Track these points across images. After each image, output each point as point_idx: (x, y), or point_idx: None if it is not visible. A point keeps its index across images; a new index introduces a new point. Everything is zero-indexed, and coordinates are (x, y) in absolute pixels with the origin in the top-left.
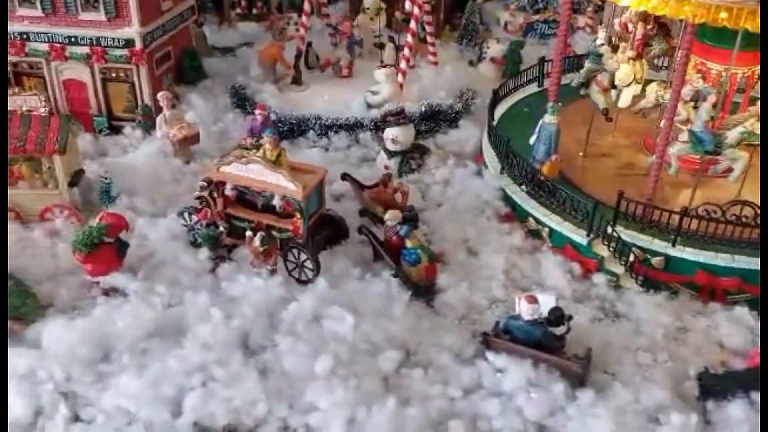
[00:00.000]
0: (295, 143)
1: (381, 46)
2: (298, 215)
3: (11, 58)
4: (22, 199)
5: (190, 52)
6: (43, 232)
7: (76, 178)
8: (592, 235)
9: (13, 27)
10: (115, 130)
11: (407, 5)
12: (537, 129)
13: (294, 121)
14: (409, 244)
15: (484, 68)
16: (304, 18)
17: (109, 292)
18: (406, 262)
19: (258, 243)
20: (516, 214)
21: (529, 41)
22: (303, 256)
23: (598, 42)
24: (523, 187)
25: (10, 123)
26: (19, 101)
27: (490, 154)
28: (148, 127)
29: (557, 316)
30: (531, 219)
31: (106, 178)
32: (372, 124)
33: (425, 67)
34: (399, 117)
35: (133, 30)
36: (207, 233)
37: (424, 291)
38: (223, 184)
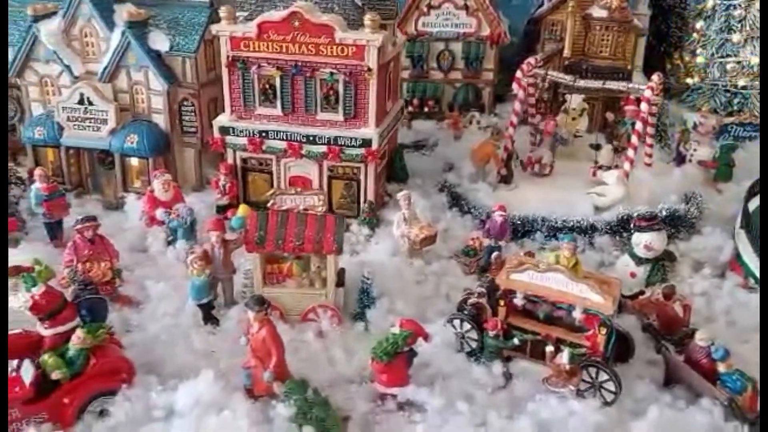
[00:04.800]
0: (519, 245)
1: (597, 147)
2: (601, 330)
3: (243, 155)
4: (287, 299)
5: (400, 150)
6: (313, 335)
7: (340, 278)
8: None
9: (254, 125)
10: None
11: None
12: None
13: (518, 222)
14: (722, 368)
15: (690, 171)
16: (513, 117)
17: (404, 406)
18: (729, 390)
19: (566, 360)
20: None
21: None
22: (603, 376)
23: None
24: None
25: (287, 221)
26: (298, 200)
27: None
28: (374, 224)
29: None
30: None
31: (367, 279)
32: (608, 227)
33: (642, 169)
34: (653, 222)
35: (371, 130)
36: (496, 344)
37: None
38: (511, 292)
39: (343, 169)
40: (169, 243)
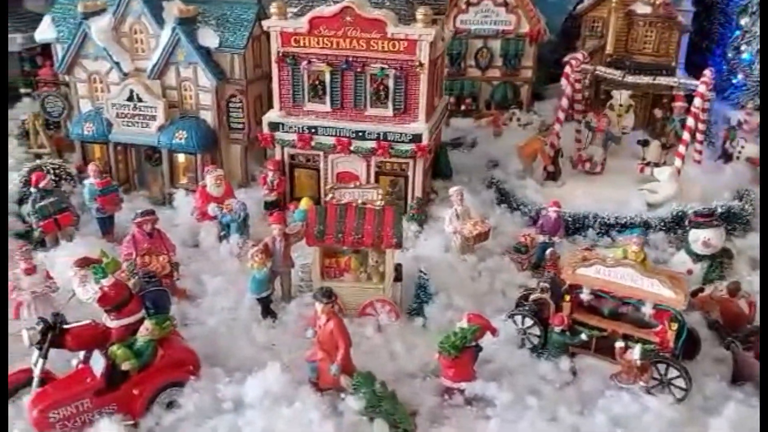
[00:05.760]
0: (571, 241)
1: (645, 143)
2: (672, 325)
3: (291, 151)
4: (345, 293)
5: (444, 147)
6: (373, 329)
7: (398, 272)
8: None
9: (303, 121)
10: None
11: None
12: None
13: (569, 218)
14: None
15: (739, 168)
16: (560, 114)
17: (472, 401)
18: None
19: (637, 356)
20: None
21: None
22: (672, 372)
23: None
24: None
25: (346, 215)
26: (356, 193)
27: None
28: (422, 221)
29: None
30: None
31: (425, 274)
32: (662, 224)
33: (691, 166)
34: (711, 218)
35: (421, 125)
36: (563, 340)
37: None
38: (577, 287)
39: (391, 164)
40: (222, 238)
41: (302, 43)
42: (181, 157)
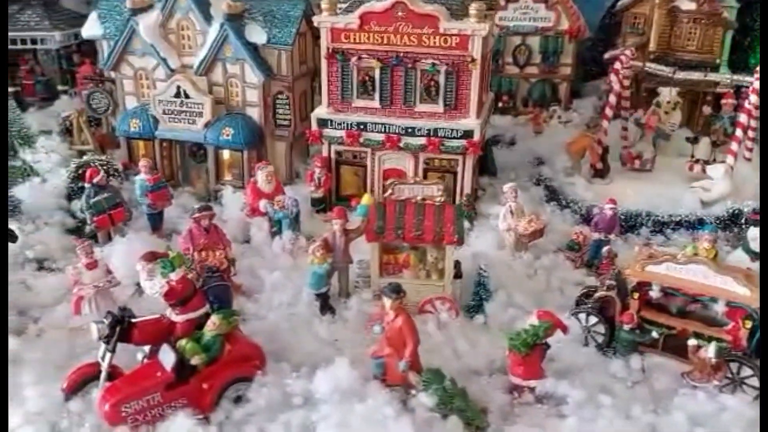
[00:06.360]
0: (623, 239)
1: (694, 141)
2: (746, 323)
3: (338, 148)
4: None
5: (490, 144)
6: (434, 326)
7: (458, 269)
8: None
9: (352, 118)
10: None
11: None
12: None
13: (621, 216)
14: None
15: None
16: (608, 110)
17: (542, 398)
18: None
19: (713, 354)
20: None
21: None
22: (746, 372)
23: None
24: None
25: (405, 210)
26: (416, 189)
27: None
28: (472, 217)
29: None
30: None
31: (484, 271)
32: (718, 222)
33: (741, 163)
34: None
35: (473, 121)
36: (632, 338)
37: None
38: (646, 284)
39: (440, 161)
40: (274, 234)
41: (352, 39)
42: (225, 154)
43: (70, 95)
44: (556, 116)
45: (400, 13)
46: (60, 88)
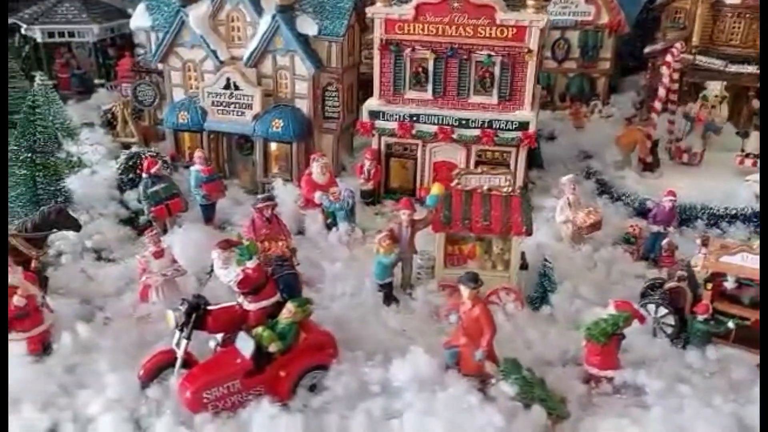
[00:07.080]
0: (678, 232)
1: (745, 135)
2: None
3: (388, 140)
4: None
5: (538, 137)
6: (503, 317)
7: (524, 260)
8: None
9: (404, 109)
10: None
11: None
12: None
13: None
14: None
15: None
16: (657, 104)
17: (620, 389)
18: None
19: None
20: None
21: None
22: None
23: None
24: None
25: (471, 200)
26: (483, 179)
27: None
28: None
29: None
30: None
31: (549, 263)
32: None
33: None
34: None
35: (528, 112)
36: (707, 329)
37: None
38: (720, 275)
39: (492, 153)
40: (329, 226)
41: (406, 30)
42: (273, 146)
43: (108, 88)
44: (597, 111)
45: (455, 4)
46: (96, 81)
